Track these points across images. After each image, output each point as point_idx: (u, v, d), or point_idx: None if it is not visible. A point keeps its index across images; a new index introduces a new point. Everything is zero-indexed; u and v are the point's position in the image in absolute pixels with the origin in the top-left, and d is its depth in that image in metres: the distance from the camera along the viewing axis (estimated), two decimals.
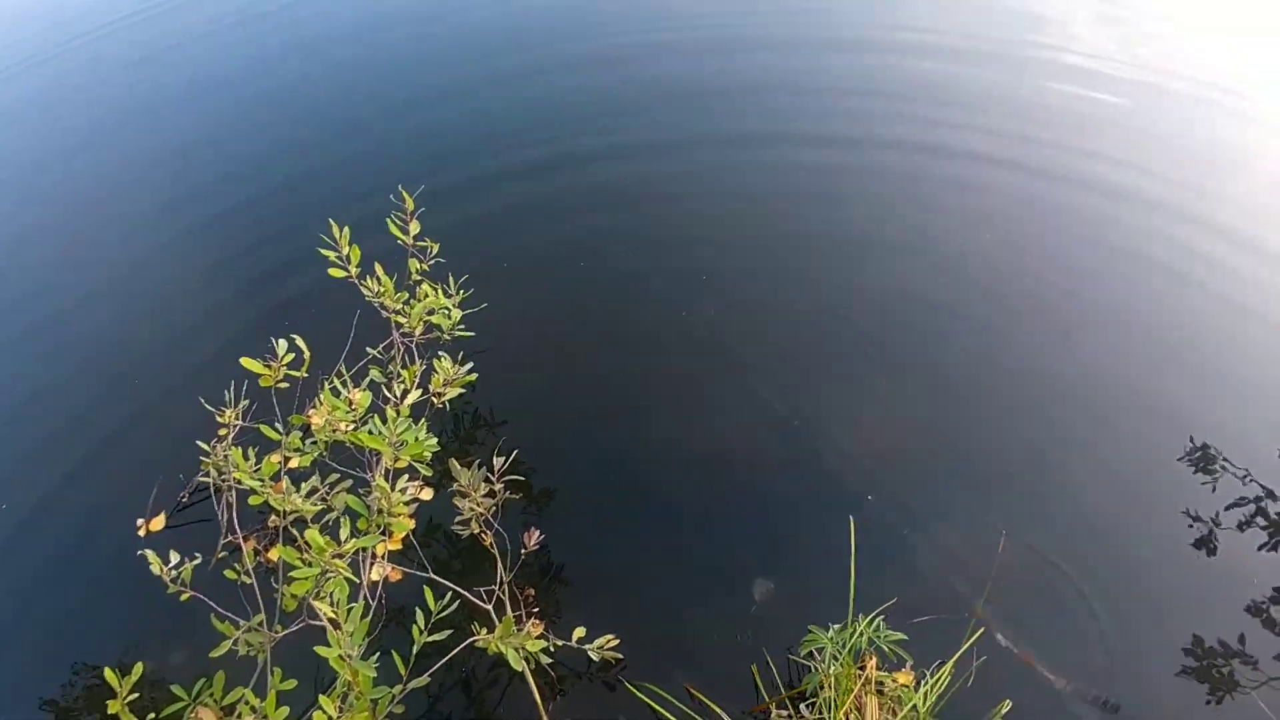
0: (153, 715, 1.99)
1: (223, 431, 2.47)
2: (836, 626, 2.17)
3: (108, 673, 1.94)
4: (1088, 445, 3.05)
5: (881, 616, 2.13)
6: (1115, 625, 2.50)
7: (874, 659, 2.10)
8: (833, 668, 2.03)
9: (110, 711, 1.93)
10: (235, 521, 2.52)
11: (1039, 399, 3.21)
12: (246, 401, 2.51)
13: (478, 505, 2.29)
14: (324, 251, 2.65)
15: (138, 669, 1.97)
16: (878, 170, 4.34)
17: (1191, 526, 2.76)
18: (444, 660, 2.26)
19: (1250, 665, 2.42)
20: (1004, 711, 2.07)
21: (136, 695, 1.94)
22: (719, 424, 3.19)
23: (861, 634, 2.04)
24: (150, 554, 2.10)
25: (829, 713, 1.98)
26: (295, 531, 2.28)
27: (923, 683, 2.09)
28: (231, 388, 2.60)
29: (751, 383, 3.31)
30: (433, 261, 2.92)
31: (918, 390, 3.29)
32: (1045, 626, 2.51)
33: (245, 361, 2.28)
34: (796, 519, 2.86)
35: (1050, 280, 3.75)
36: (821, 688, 2.08)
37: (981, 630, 2.11)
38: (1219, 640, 2.48)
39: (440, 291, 2.83)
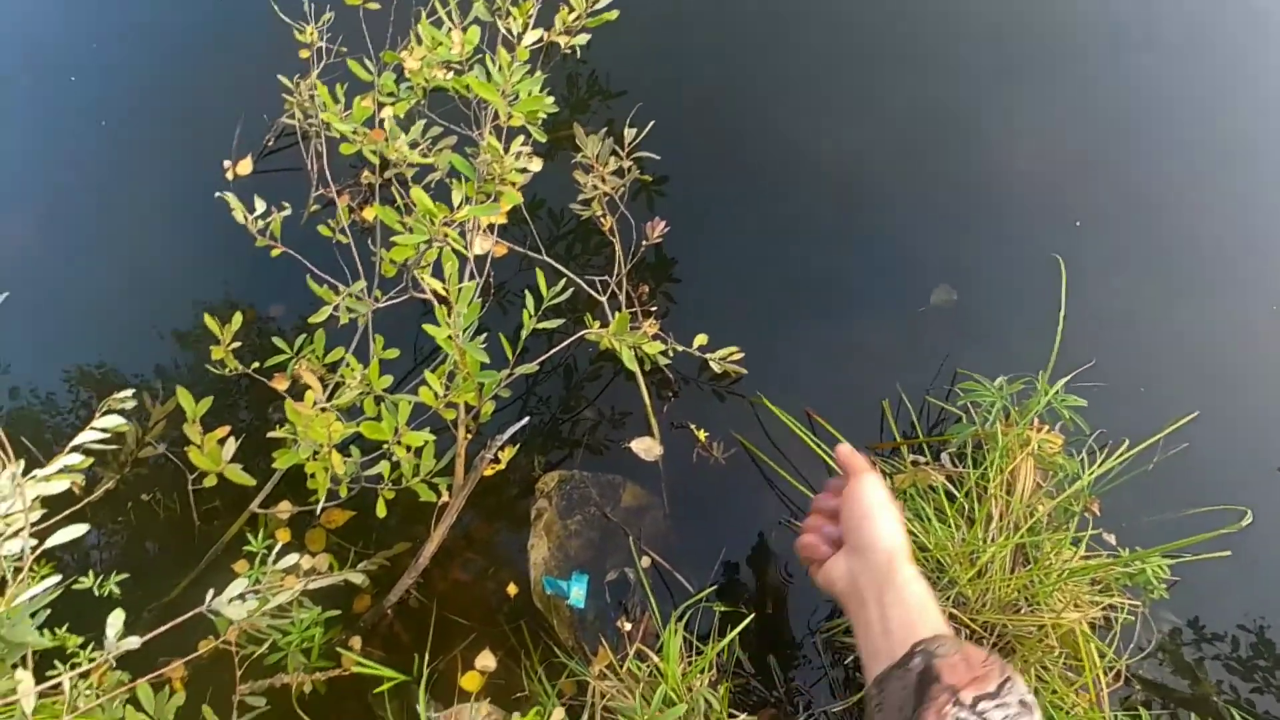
0: (256, 365, 1.89)
1: (304, 54, 2.04)
2: (1002, 378, 1.86)
3: (207, 318, 1.81)
4: None
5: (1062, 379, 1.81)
6: None
7: (1039, 423, 1.81)
8: (998, 426, 1.76)
9: (214, 357, 1.83)
10: (326, 172, 2.22)
11: None
12: (330, 16, 2.03)
13: (604, 182, 1.92)
14: None
15: (237, 318, 1.83)
16: None
17: None
18: (554, 350, 2.09)
19: None
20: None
21: (239, 344, 1.83)
22: (885, 126, 2.62)
23: (1044, 395, 1.73)
24: (230, 197, 1.76)
25: (988, 471, 1.75)
26: (395, 190, 1.98)
27: (1087, 454, 1.82)
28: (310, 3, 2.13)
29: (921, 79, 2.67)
30: None
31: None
32: None
33: None
34: (971, 244, 2.42)
35: None
36: (982, 443, 1.83)
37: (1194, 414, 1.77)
38: None
39: None
